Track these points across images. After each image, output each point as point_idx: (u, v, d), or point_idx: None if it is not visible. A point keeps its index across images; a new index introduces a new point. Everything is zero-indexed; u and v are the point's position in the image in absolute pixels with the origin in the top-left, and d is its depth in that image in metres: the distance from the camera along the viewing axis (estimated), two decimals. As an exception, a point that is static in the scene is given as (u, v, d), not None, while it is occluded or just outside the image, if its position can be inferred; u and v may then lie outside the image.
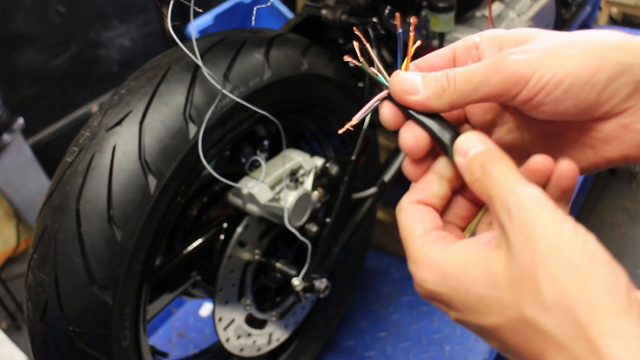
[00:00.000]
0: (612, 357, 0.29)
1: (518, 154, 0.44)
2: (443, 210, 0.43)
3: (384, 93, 0.42)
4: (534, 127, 0.44)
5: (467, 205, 0.43)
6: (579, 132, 0.41)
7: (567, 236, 0.32)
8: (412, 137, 0.41)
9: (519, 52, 0.38)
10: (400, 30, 0.42)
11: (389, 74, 0.43)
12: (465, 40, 0.44)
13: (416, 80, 0.40)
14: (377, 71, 0.42)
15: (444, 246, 0.38)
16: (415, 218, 0.40)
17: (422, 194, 0.42)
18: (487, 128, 0.45)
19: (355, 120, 0.43)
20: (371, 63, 0.43)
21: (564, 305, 0.31)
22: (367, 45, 0.42)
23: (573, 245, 0.32)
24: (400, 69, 0.42)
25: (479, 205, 0.43)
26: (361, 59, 0.42)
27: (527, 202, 0.33)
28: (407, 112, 0.41)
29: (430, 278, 0.37)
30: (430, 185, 0.42)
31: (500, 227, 0.34)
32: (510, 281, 0.33)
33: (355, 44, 0.42)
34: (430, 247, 0.38)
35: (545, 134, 0.44)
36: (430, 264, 0.38)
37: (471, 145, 0.38)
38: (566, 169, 0.36)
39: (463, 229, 0.44)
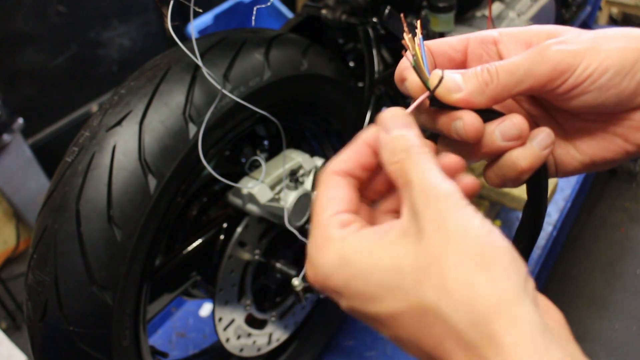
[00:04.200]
0: (508, 345, 0.29)
1: None
2: (367, 182, 0.42)
3: (426, 94, 0.41)
4: (558, 125, 0.44)
5: (389, 182, 0.41)
6: (609, 124, 0.42)
7: (475, 226, 0.32)
8: (476, 123, 0.39)
9: (562, 43, 0.39)
10: (422, 37, 0.40)
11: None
12: (481, 34, 0.43)
13: (456, 78, 0.40)
14: (419, 72, 0.41)
15: (349, 233, 0.37)
16: (329, 195, 0.39)
17: (349, 163, 0.40)
18: None
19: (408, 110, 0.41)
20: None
21: (469, 294, 0.31)
22: (414, 44, 0.40)
23: (480, 234, 0.32)
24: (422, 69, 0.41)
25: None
26: (411, 59, 0.40)
27: (445, 194, 0.33)
28: (451, 108, 0.40)
29: (328, 263, 0.36)
30: (358, 154, 0.40)
31: (413, 213, 0.34)
32: (416, 267, 0.33)
33: (408, 38, 0.40)
34: (335, 231, 0.37)
35: (570, 130, 0.44)
36: (331, 249, 0.36)
37: (396, 125, 0.38)
38: (469, 184, 0.37)
39: (372, 202, 0.42)
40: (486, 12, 1.43)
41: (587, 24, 2.09)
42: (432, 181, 0.34)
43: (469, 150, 0.41)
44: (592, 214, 2.24)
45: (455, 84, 0.39)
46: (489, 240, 0.32)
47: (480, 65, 0.40)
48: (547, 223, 1.74)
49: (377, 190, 0.42)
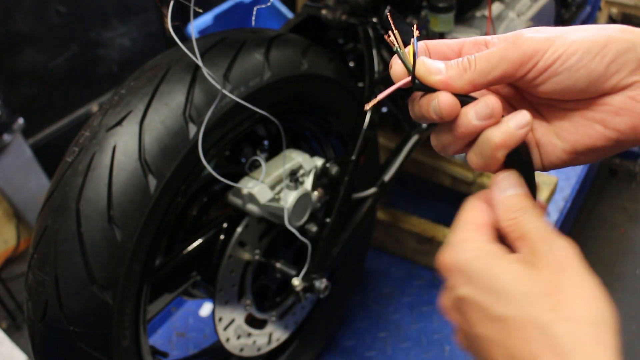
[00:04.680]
0: None
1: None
2: None
3: (407, 78, 0.44)
4: (539, 114, 0.46)
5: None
6: (587, 110, 0.44)
7: (593, 285, 0.38)
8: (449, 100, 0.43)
9: (533, 32, 0.42)
10: (415, 38, 0.44)
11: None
12: (476, 38, 0.47)
13: (438, 63, 0.43)
14: (402, 56, 0.44)
15: (492, 243, 0.42)
16: (480, 216, 0.44)
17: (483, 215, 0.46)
18: None
19: (378, 98, 0.45)
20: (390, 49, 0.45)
21: (573, 325, 0.36)
22: (396, 32, 0.44)
23: (595, 294, 0.38)
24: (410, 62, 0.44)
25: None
26: (396, 46, 0.44)
27: (566, 245, 0.40)
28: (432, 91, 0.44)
29: (472, 251, 0.41)
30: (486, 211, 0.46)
31: (532, 252, 0.40)
32: (538, 289, 0.38)
33: (392, 34, 0.44)
34: (483, 237, 0.43)
35: (551, 118, 0.46)
36: (478, 244, 0.42)
37: (511, 186, 0.44)
38: None
39: None
40: (486, 12, 1.43)
41: (586, 24, 2.09)
42: (551, 234, 0.40)
43: (451, 133, 0.44)
44: (592, 214, 2.24)
45: (437, 67, 0.43)
46: (602, 305, 0.38)
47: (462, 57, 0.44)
48: (547, 223, 1.74)
49: None
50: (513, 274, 0.39)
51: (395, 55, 0.44)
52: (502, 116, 0.42)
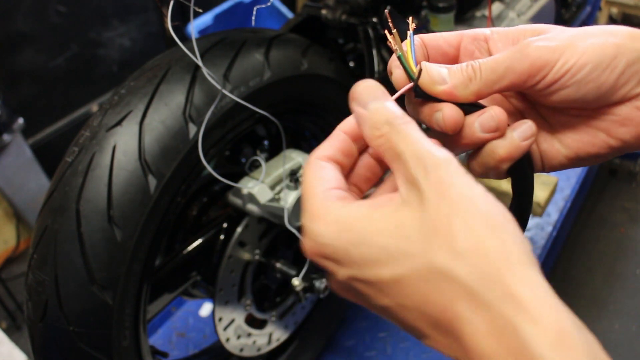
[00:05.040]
0: (527, 301, 0.30)
1: None
2: (350, 170, 0.42)
3: (410, 85, 0.42)
4: (543, 120, 0.45)
5: (372, 165, 0.43)
6: (592, 119, 0.43)
7: (480, 194, 0.33)
8: (454, 115, 0.41)
9: (541, 40, 0.40)
10: (411, 32, 0.42)
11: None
12: (475, 31, 0.45)
13: (442, 71, 0.41)
14: (403, 61, 0.42)
15: (346, 202, 0.37)
16: (319, 175, 0.39)
17: (330, 150, 0.41)
18: None
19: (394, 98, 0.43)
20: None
21: (480, 254, 0.31)
22: (395, 32, 0.42)
23: (487, 201, 0.33)
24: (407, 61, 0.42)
25: (383, 167, 0.43)
26: (396, 50, 0.42)
27: (443, 162, 0.34)
28: (435, 100, 0.42)
29: (327, 231, 0.36)
30: (338, 141, 0.41)
31: (411, 182, 0.34)
32: (421, 233, 0.33)
33: (392, 34, 0.42)
34: (332, 202, 0.37)
35: (555, 124, 0.45)
36: (330, 218, 0.36)
37: (371, 97, 0.38)
38: None
39: (363, 192, 0.43)
40: (486, 12, 1.43)
41: (586, 24, 2.09)
42: (426, 149, 0.34)
43: (452, 141, 0.42)
44: (592, 214, 2.24)
45: (440, 77, 0.41)
46: (495, 208, 0.33)
47: (467, 61, 0.41)
48: (547, 223, 1.74)
49: (363, 178, 0.42)
50: (388, 228, 0.34)
51: (395, 58, 0.42)
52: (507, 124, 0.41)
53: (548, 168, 0.45)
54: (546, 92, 0.41)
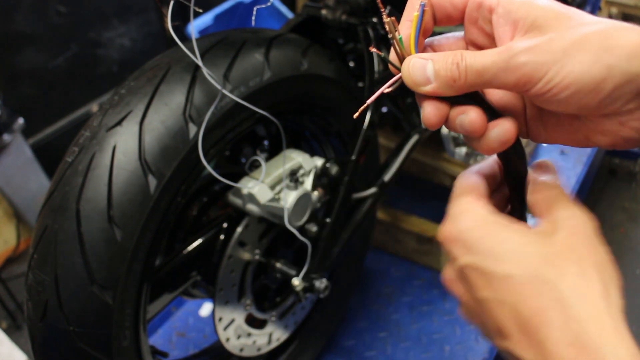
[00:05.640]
0: (610, 329, 0.35)
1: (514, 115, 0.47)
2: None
3: (397, 77, 0.43)
4: (534, 106, 0.46)
5: (502, 200, 0.50)
6: (576, 119, 0.43)
7: (599, 246, 0.39)
8: (434, 112, 0.43)
9: (531, 52, 0.39)
10: (423, 2, 0.43)
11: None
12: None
13: (427, 67, 0.41)
14: (396, 47, 0.43)
15: (492, 209, 0.43)
16: (477, 183, 0.45)
17: (485, 170, 0.48)
18: (488, 89, 0.48)
19: (368, 102, 0.45)
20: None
21: (583, 285, 0.37)
22: (394, 28, 0.43)
23: (602, 254, 0.39)
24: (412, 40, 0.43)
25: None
26: (394, 40, 0.43)
27: (588, 222, 0.41)
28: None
29: (471, 220, 0.42)
30: (491, 170, 0.48)
31: (553, 224, 0.40)
32: (543, 251, 0.38)
33: (388, 21, 0.43)
34: (480, 206, 0.43)
35: (545, 113, 0.46)
36: (477, 213, 0.42)
37: (549, 173, 0.46)
38: None
39: None
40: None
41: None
42: (575, 206, 0.42)
43: (467, 137, 0.46)
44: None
45: (424, 77, 0.42)
46: (606, 260, 0.39)
47: (453, 54, 0.41)
48: (547, 223, 1.74)
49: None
50: (519, 239, 0.39)
51: (392, 49, 0.43)
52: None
53: (532, 137, 0.48)
54: (529, 97, 0.42)
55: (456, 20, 0.46)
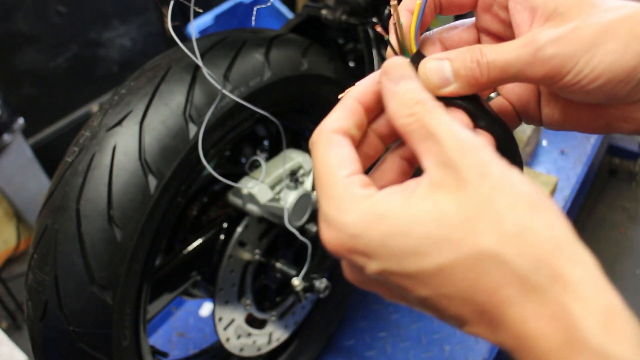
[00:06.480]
0: (574, 282, 0.30)
1: (527, 101, 0.45)
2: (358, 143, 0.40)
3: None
4: (551, 92, 0.44)
5: (376, 143, 0.41)
6: (598, 108, 0.41)
7: (519, 176, 0.32)
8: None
9: (557, 43, 0.37)
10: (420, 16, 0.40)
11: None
12: None
13: (445, 68, 0.38)
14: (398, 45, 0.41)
15: (373, 190, 0.34)
16: (338, 154, 0.36)
17: (345, 122, 0.38)
18: None
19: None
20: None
21: (528, 236, 0.30)
22: (399, 14, 0.40)
23: (527, 183, 0.32)
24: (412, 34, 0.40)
25: (385, 143, 0.41)
26: (393, 35, 0.40)
27: (481, 144, 0.33)
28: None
29: (358, 221, 0.33)
30: (353, 113, 0.38)
31: (444, 164, 0.32)
32: (463, 217, 0.31)
33: (393, 3, 0.40)
34: (358, 190, 0.34)
35: (561, 99, 0.44)
36: (361, 207, 0.33)
37: (403, 77, 0.37)
38: None
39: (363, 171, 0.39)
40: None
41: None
42: (462, 133, 0.33)
43: None
44: (592, 214, 2.24)
45: (444, 80, 0.38)
46: (535, 189, 0.32)
47: (471, 51, 0.39)
48: (547, 223, 1.74)
49: (364, 155, 0.40)
50: (428, 218, 0.32)
51: (393, 38, 0.40)
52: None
53: (546, 126, 0.45)
54: (554, 91, 0.40)
55: (467, 8, 0.44)
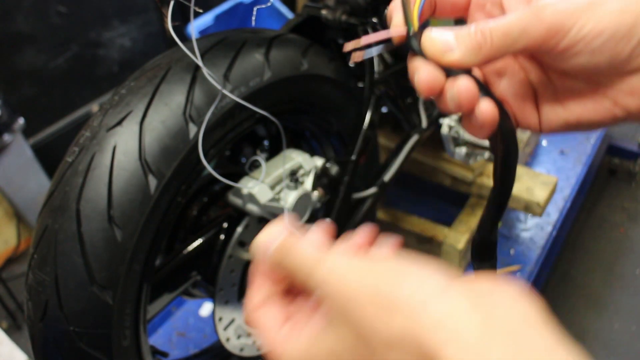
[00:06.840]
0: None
1: (523, 101, 0.44)
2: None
3: (402, 32, 0.40)
4: (549, 81, 0.44)
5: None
6: (600, 85, 0.41)
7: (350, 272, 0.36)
8: (429, 76, 0.40)
9: (559, 3, 0.38)
10: None
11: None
12: None
13: (449, 39, 0.39)
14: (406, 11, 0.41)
15: (299, 332, 0.38)
16: (267, 321, 0.40)
17: (261, 295, 0.42)
18: (493, 76, 0.45)
19: (364, 42, 0.42)
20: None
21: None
22: None
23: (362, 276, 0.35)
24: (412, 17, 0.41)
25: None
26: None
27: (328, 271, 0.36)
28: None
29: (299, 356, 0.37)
30: (266, 280, 0.42)
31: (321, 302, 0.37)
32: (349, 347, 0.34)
33: None
34: (290, 335, 0.38)
35: (561, 88, 0.44)
36: (297, 347, 0.37)
37: (267, 246, 0.41)
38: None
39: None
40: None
41: None
42: (314, 270, 0.37)
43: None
44: (592, 214, 2.24)
45: (447, 45, 0.39)
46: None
47: (474, 24, 0.39)
48: (547, 223, 1.74)
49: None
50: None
51: (398, 5, 0.41)
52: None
53: (545, 129, 0.45)
54: (559, 57, 0.39)
55: (460, 11, 0.44)
